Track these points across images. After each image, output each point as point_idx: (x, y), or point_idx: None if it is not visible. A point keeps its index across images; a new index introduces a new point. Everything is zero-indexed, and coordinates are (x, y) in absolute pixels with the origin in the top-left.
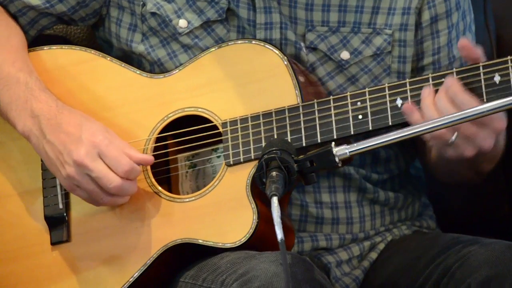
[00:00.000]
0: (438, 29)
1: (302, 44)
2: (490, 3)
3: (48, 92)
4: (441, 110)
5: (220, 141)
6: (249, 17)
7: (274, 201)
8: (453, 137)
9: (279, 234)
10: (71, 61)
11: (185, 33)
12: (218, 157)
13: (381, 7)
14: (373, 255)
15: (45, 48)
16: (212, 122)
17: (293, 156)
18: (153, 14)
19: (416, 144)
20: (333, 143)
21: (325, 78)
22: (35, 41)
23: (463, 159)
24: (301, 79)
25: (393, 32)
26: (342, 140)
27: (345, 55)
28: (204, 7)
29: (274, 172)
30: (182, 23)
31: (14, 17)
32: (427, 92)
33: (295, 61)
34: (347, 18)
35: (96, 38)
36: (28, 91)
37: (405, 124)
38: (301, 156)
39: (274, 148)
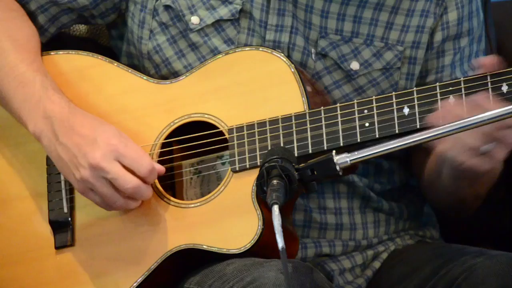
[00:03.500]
0: (444, 49)
1: (312, 50)
2: (491, 11)
3: (61, 94)
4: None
5: (225, 148)
6: (262, 18)
7: (275, 209)
8: (488, 146)
9: (280, 243)
10: (78, 66)
11: (196, 30)
12: (223, 164)
13: (396, 23)
14: (376, 264)
15: (51, 53)
16: (218, 128)
17: (294, 164)
18: (167, 8)
19: (413, 160)
20: (334, 151)
21: (331, 87)
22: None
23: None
24: (308, 88)
25: (405, 49)
26: (349, 148)
27: (355, 65)
28: (218, 6)
29: (275, 181)
30: (195, 19)
31: (34, 14)
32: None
33: (302, 69)
34: (360, 30)
35: (100, 43)
36: (43, 90)
37: (412, 133)
38: (302, 165)
39: (274, 157)
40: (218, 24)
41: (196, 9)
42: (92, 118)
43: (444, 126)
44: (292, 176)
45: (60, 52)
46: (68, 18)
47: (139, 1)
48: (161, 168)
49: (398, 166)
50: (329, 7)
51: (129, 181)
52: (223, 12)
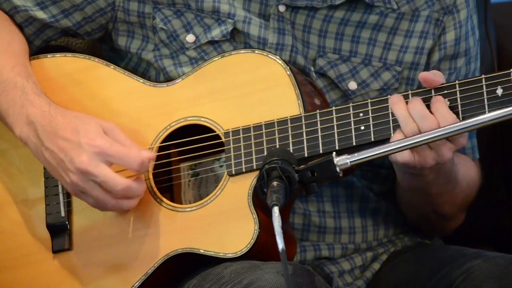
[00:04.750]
0: (439, 68)
1: (312, 68)
2: (491, 13)
3: (43, 96)
4: (416, 118)
5: (223, 150)
6: (260, 35)
7: (275, 211)
8: None
9: (280, 244)
10: (75, 69)
11: (192, 48)
12: (221, 166)
13: (394, 43)
14: (376, 266)
15: (49, 56)
16: (214, 131)
17: (294, 166)
18: (161, 28)
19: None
20: (334, 153)
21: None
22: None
23: (421, 173)
24: (306, 88)
25: (403, 69)
26: (344, 151)
27: (352, 85)
28: (212, 24)
29: (275, 182)
30: (190, 38)
31: (20, 27)
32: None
33: (298, 70)
34: (359, 49)
35: (100, 49)
36: (24, 95)
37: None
38: (302, 166)
39: (275, 158)
40: (214, 41)
41: (192, 26)
42: (73, 117)
43: (445, 127)
44: (292, 178)
45: (57, 55)
46: (53, 32)
47: (135, 20)
48: (151, 155)
49: (394, 173)
50: (327, 27)
51: (119, 183)
52: (215, 32)
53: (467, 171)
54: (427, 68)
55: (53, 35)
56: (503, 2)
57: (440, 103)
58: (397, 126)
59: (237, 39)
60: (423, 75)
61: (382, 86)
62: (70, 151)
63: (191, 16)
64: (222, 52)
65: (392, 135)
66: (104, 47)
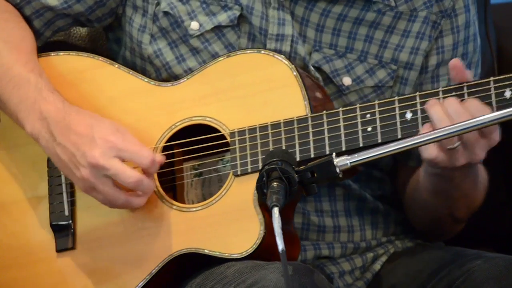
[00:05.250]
0: (439, 73)
1: (310, 61)
2: (490, 13)
3: (56, 93)
4: (452, 115)
5: (227, 150)
6: (261, 26)
7: (275, 211)
8: (458, 143)
9: (280, 245)
10: (79, 67)
11: (196, 36)
12: (224, 166)
13: (390, 42)
14: (376, 267)
15: (52, 54)
16: (219, 131)
17: (294, 166)
18: (166, 13)
19: (399, 176)
20: (334, 153)
21: None
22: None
23: (450, 174)
24: (312, 88)
25: (398, 68)
26: (351, 153)
27: (347, 81)
28: (217, 11)
29: (275, 183)
30: (194, 25)
31: (29, 19)
32: (433, 101)
33: (305, 72)
34: (355, 46)
35: (100, 46)
36: (37, 91)
37: None
38: (302, 167)
39: (275, 159)
40: (218, 30)
41: (196, 14)
42: (88, 115)
43: (445, 128)
44: (292, 179)
45: (61, 53)
46: (63, 22)
47: (139, 5)
48: (161, 158)
49: (389, 178)
50: (324, 22)
51: (131, 175)
52: (222, 18)
53: (482, 173)
54: (424, 71)
55: (64, 25)
56: (503, 3)
57: (472, 100)
58: (404, 128)
59: (242, 28)
60: (454, 61)
61: (377, 83)
62: (82, 146)
63: (197, 4)
64: (225, 41)
65: (399, 136)
66: (110, 35)
